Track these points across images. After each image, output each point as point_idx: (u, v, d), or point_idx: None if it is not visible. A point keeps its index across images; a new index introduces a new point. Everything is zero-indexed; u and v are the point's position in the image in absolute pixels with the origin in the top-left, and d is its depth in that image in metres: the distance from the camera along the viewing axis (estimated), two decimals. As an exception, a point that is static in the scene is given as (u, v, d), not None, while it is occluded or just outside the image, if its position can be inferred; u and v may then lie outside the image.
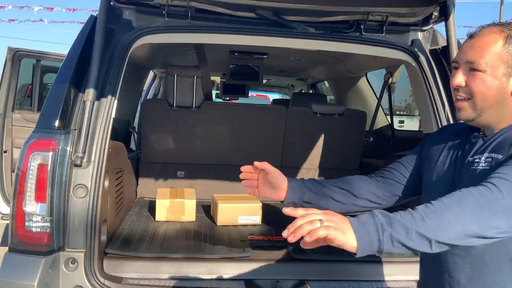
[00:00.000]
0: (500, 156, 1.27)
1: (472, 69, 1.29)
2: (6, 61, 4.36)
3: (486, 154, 1.30)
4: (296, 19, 2.38)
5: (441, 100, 2.30)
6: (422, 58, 2.37)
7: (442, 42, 2.41)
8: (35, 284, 1.83)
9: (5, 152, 4.39)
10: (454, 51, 2.22)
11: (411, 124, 15.46)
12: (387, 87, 3.24)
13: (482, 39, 1.29)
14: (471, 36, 1.32)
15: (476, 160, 1.33)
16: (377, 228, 1.06)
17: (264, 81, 6.13)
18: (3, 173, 4.36)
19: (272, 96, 10.19)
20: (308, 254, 2.19)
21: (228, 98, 5.04)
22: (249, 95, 7.36)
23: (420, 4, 2.26)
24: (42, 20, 17.65)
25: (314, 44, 2.41)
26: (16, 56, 4.34)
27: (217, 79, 5.85)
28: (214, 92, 6.84)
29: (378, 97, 3.63)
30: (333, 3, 2.26)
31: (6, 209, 4.31)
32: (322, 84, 5.39)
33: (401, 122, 16.06)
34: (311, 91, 5.49)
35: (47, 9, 18.49)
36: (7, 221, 4.34)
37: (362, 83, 3.90)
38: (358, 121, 3.36)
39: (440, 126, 2.24)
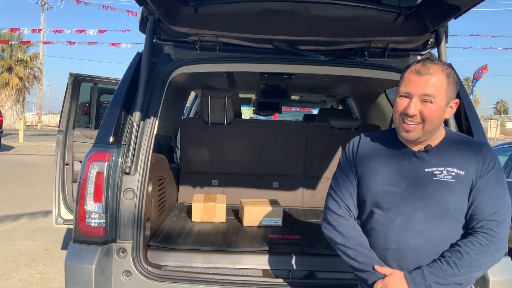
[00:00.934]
0: (462, 172, 1.65)
1: (425, 101, 1.62)
2: (67, 85, 4.97)
3: (447, 168, 1.66)
4: (307, 48, 2.78)
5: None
6: None
7: (437, 65, 2.72)
8: (93, 267, 2.28)
9: (67, 164, 4.97)
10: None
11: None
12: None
13: (432, 78, 1.62)
14: (419, 73, 1.63)
15: (437, 172, 1.67)
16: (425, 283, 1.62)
17: (297, 97, 6.56)
18: (65, 183, 4.95)
19: (316, 111, 10.59)
20: (318, 249, 2.55)
21: (262, 114, 5.49)
22: (294, 109, 7.81)
23: (415, 34, 2.59)
24: (95, 43, 18.88)
25: (324, 69, 2.80)
26: (76, 81, 4.96)
27: (253, 96, 6.32)
28: (251, 108, 7.33)
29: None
30: (337, 36, 2.64)
31: (68, 216, 4.88)
32: (352, 99, 5.71)
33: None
34: (340, 107, 5.83)
35: (99, 32, 19.92)
36: (68, 226, 4.92)
37: (382, 99, 4.21)
38: (372, 135, 3.69)
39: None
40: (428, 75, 1.62)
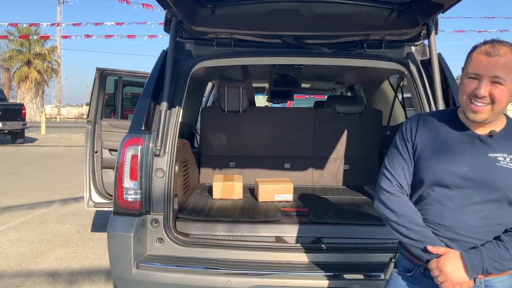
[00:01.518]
0: None
1: (495, 82, 1.59)
2: (95, 79, 5.38)
3: (511, 156, 1.66)
4: (312, 42, 3.12)
5: (427, 100, 2.93)
6: (413, 68, 3.02)
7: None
8: (132, 235, 2.68)
9: (96, 152, 5.38)
10: (435, 61, 2.85)
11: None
12: (400, 88, 3.87)
13: (502, 59, 1.58)
14: (488, 54, 1.60)
15: (500, 158, 1.67)
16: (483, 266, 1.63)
17: (308, 85, 6.89)
18: (95, 169, 5.37)
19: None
20: (324, 220, 2.92)
21: (275, 102, 5.85)
22: (308, 96, 8.14)
23: (407, 27, 2.91)
24: (112, 36, 19.29)
25: (328, 61, 3.15)
26: (102, 75, 5.36)
27: (266, 85, 6.67)
28: (265, 97, 7.69)
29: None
30: (339, 30, 2.98)
31: (99, 199, 5.29)
32: (358, 86, 6.02)
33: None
34: (349, 93, 6.15)
35: (116, 24, 20.33)
36: (99, 208, 5.34)
37: (385, 85, 4.53)
38: (375, 118, 4.04)
39: None
40: (498, 56, 1.59)
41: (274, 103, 6.74)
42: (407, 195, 1.81)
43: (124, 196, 2.80)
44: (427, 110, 2.91)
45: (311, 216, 3.02)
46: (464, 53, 1.74)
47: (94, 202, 5.42)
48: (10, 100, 25.53)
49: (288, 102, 11.91)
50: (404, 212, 1.75)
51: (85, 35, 19.07)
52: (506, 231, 1.69)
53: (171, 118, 2.89)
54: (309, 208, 3.23)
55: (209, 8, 2.86)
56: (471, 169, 1.68)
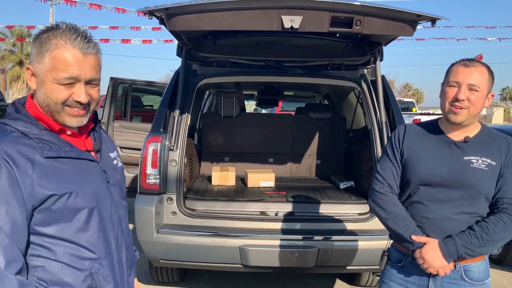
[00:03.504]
0: (494, 163, 1.91)
1: (471, 89, 1.86)
2: (108, 86, 6.29)
3: (482, 158, 1.91)
4: (289, 65, 4.11)
5: (374, 109, 3.88)
6: (364, 86, 4.01)
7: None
8: (153, 208, 3.54)
9: None
10: (379, 81, 3.78)
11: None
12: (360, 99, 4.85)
13: (478, 70, 1.87)
14: (465, 65, 1.88)
15: (474, 161, 1.91)
16: (457, 252, 1.87)
17: (292, 93, 7.91)
18: None
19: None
20: (297, 199, 3.88)
21: (264, 107, 6.85)
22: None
23: (359, 55, 3.89)
24: (107, 40, 19.84)
25: (301, 79, 4.14)
26: (116, 83, 6.27)
27: (256, 92, 7.66)
28: (255, 102, 8.71)
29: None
30: (309, 57, 3.96)
31: None
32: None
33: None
34: (326, 101, 7.15)
35: (111, 28, 21.03)
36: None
37: (351, 95, 5.50)
38: (340, 123, 5.05)
39: (370, 126, 3.82)
40: (474, 67, 1.88)
41: (262, 108, 7.77)
42: (396, 194, 2.07)
43: (147, 180, 3.69)
44: (373, 117, 3.84)
45: (287, 196, 3.98)
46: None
47: None
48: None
49: (276, 108, 13.04)
50: (392, 210, 2.02)
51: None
52: (477, 221, 1.92)
53: (182, 121, 3.81)
54: (286, 191, 4.18)
55: (211, 39, 3.82)
56: (449, 170, 1.93)
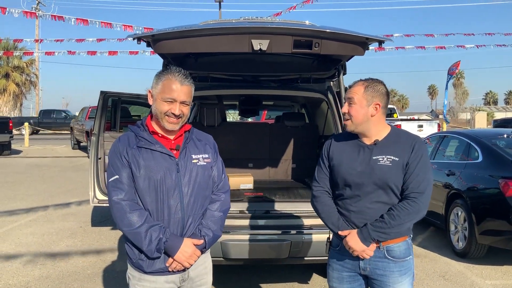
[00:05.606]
0: (397, 159, 2.27)
1: (350, 103, 2.32)
2: (99, 100, 6.63)
3: (386, 156, 2.28)
4: (264, 79, 4.59)
5: (339, 119, 4.39)
6: (330, 97, 4.51)
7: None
8: None
9: (100, 158, 6.59)
10: (342, 93, 4.31)
11: (431, 129, 17.11)
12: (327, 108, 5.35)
13: (354, 89, 2.33)
14: (350, 86, 2.38)
15: (380, 159, 2.29)
16: (370, 237, 2.27)
17: (272, 103, 8.40)
18: (99, 172, 6.56)
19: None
20: (272, 200, 4.33)
21: (246, 116, 7.32)
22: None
23: (324, 70, 4.40)
24: (95, 52, 20.16)
25: (275, 92, 4.62)
26: (106, 97, 6.63)
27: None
28: (237, 112, 9.17)
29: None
30: (281, 72, 4.45)
31: (102, 197, 6.41)
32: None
33: (420, 126, 17.73)
34: (303, 110, 7.65)
35: (99, 41, 21.34)
36: (102, 205, 6.53)
37: (323, 104, 6.00)
38: (313, 130, 5.55)
39: (337, 133, 4.31)
40: (354, 87, 2.36)
41: (244, 117, 8.24)
42: (329, 195, 2.48)
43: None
44: (339, 125, 4.35)
45: (264, 197, 4.44)
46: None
47: (98, 199, 6.43)
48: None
49: (262, 117, 13.49)
50: (325, 210, 2.45)
51: (67, 51, 19.89)
52: (389, 209, 2.30)
53: None
54: (264, 192, 4.64)
55: (193, 58, 4.28)
56: (363, 168, 2.32)
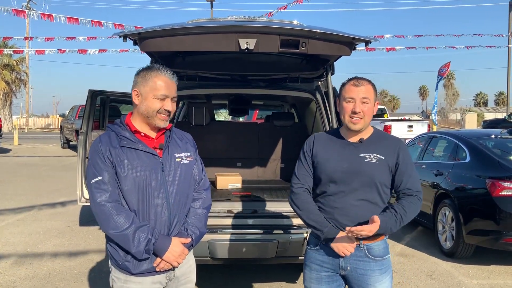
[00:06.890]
0: (383, 157, 2.32)
1: (364, 103, 2.29)
2: (87, 98, 6.59)
3: (373, 154, 2.32)
4: (252, 78, 4.58)
5: (327, 118, 4.40)
6: (318, 96, 4.51)
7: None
8: None
9: (88, 157, 6.57)
10: (330, 92, 4.29)
11: (421, 129, 17.19)
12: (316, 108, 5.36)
13: (366, 88, 2.32)
14: (356, 85, 2.31)
15: (367, 156, 2.32)
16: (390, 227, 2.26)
17: (262, 102, 8.39)
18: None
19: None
20: (259, 199, 4.33)
21: (236, 116, 7.29)
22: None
23: (312, 70, 4.40)
24: (85, 50, 19.99)
25: (263, 91, 4.60)
26: (94, 95, 6.59)
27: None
28: (227, 111, 9.13)
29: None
30: (269, 71, 4.44)
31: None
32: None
33: (410, 127, 17.80)
34: (292, 110, 7.65)
35: (89, 39, 21.18)
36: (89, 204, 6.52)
37: (312, 104, 6.01)
38: (301, 129, 5.54)
39: (324, 131, 4.30)
40: (363, 86, 2.33)
41: (234, 116, 8.21)
42: (309, 193, 2.44)
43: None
44: (327, 124, 4.35)
45: (252, 196, 4.43)
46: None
47: (85, 198, 6.39)
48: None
49: (253, 116, 13.42)
50: (305, 207, 2.40)
51: (58, 49, 19.71)
52: (385, 208, 2.34)
53: None
54: (252, 191, 4.63)
55: (181, 57, 4.26)
56: (349, 165, 2.34)
